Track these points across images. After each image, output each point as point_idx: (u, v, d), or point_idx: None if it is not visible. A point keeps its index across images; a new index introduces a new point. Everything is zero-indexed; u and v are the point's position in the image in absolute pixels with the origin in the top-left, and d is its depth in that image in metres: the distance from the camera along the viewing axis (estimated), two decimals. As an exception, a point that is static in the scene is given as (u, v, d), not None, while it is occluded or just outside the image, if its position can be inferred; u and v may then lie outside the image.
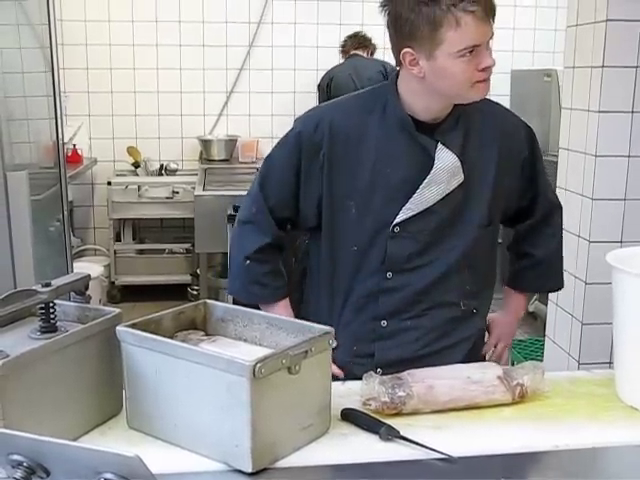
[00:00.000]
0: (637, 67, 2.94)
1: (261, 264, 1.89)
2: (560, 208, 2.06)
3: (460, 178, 1.79)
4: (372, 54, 5.35)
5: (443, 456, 1.40)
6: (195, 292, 4.97)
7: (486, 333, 2.03)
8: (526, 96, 5.25)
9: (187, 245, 5.38)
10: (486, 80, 1.69)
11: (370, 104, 1.83)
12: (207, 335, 1.63)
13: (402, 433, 1.47)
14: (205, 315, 1.65)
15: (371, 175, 1.79)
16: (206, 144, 5.65)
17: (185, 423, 1.41)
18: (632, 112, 2.98)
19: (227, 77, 5.78)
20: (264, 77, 5.82)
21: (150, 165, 5.64)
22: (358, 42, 5.31)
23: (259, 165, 5.70)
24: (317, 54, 5.81)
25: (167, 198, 5.36)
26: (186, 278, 5.28)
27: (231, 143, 5.66)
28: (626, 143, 3.00)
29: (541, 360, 3.53)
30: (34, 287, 1.50)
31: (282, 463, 1.39)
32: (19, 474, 1.17)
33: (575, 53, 3.17)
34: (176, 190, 5.38)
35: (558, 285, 2.12)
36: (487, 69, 1.67)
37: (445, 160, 1.77)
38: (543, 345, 3.54)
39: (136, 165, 5.56)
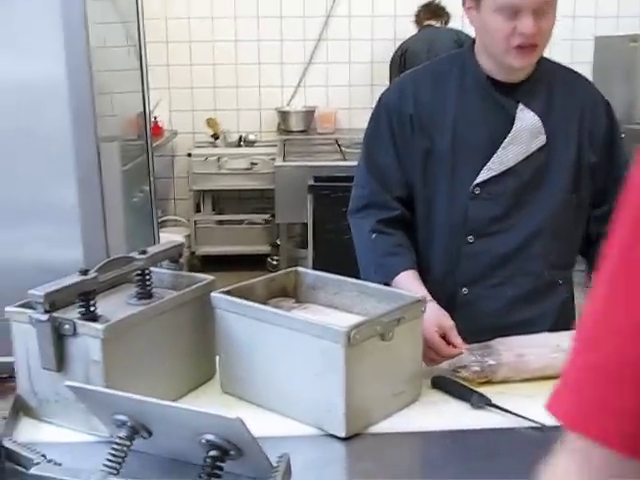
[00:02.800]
0: None
1: (388, 236, 1.82)
2: None
3: (542, 140, 1.76)
4: (446, 24, 5.25)
5: (535, 425, 1.40)
6: (275, 262, 5.02)
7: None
8: (610, 63, 5.09)
9: (266, 216, 5.42)
10: (523, 47, 1.65)
11: (448, 67, 1.84)
12: (298, 302, 1.65)
13: (493, 401, 1.47)
14: (295, 283, 1.67)
15: (452, 137, 1.79)
16: (284, 115, 5.66)
17: (278, 388, 1.43)
18: None
19: (305, 48, 5.77)
20: (341, 48, 5.77)
21: (229, 137, 5.69)
22: (431, 12, 5.21)
23: (337, 136, 5.67)
24: (395, 23, 5.74)
25: (246, 169, 5.40)
26: (265, 249, 5.33)
27: (309, 114, 5.66)
28: None
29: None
30: (131, 254, 1.55)
31: (374, 429, 1.41)
32: (123, 433, 1.22)
33: None
34: (254, 162, 5.41)
35: None
36: (527, 35, 1.63)
37: (526, 120, 1.75)
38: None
39: (215, 137, 5.61)
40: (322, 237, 3.93)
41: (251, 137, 5.65)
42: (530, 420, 1.41)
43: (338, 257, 3.86)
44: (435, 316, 1.63)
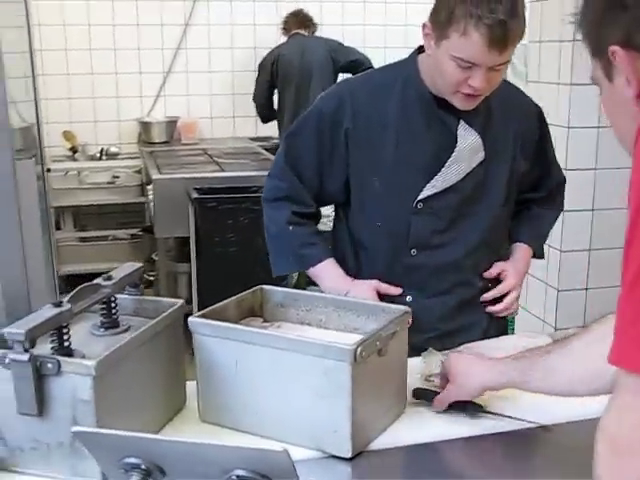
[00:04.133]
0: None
1: (304, 227, 1.88)
2: (564, 183, 2.07)
3: (481, 156, 1.80)
4: (313, 34, 5.31)
5: (533, 424, 1.41)
6: (152, 278, 4.85)
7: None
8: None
9: (134, 230, 5.23)
10: (470, 96, 1.69)
11: (390, 80, 1.83)
12: (266, 321, 1.59)
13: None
14: (262, 301, 1.61)
15: (395, 151, 1.79)
16: (145, 126, 5.48)
17: (270, 412, 1.37)
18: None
19: (163, 57, 5.62)
20: (201, 56, 5.67)
21: (87, 150, 5.44)
22: (300, 21, 5.25)
23: (203, 146, 5.52)
24: (254, 32, 5.71)
25: (108, 183, 5.19)
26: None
27: (171, 124, 5.51)
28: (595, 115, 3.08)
29: (513, 328, 3.62)
30: (96, 281, 1.44)
31: (373, 446, 1.38)
32: (136, 477, 1.12)
33: (541, 27, 3.23)
34: (117, 175, 5.21)
35: (540, 251, 2.08)
36: (477, 89, 1.66)
37: (467, 138, 1.78)
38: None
39: (74, 150, 5.36)
40: (208, 250, 3.83)
41: (113, 149, 5.44)
42: (527, 421, 1.43)
43: (224, 269, 3.81)
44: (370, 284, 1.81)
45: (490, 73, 1.64)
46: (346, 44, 5.30)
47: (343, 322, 1.54)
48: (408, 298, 1.83)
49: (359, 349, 1.27)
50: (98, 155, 5.41)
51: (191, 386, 1.50)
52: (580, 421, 1.41)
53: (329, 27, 5.64)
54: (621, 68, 0.95)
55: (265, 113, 5.29)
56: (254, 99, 5.29)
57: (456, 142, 1.77)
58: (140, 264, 1.56)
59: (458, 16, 1.59)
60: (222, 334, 1.39)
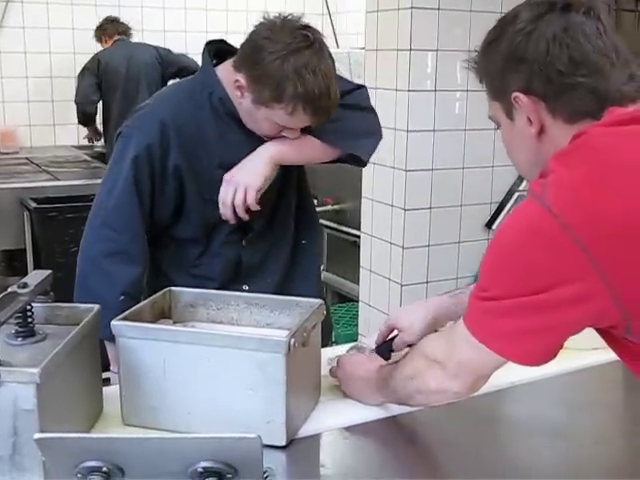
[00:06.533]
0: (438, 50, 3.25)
1: (133, 300, 1.76)
2: (356, 89, 2.00)
3: None
4: (128, 37, 5.27)
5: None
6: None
7: None
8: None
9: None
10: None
11: (197, 96, 1.84)
12: (176, 322, 1.62)
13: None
14: (171, 303, 1.63)
15: (222, 165, 1.83)
16: (-41, 135, 5.18)
17: (201, 409, 1.40)
18: (435, 90, 3.31)
19: (-26, 60, 5.34)
20: (17, 61, 5.42)
21: None
22: (121, 27, 5.21)
23: (24, 155, 5.27)
24: (73, 36, 5.55)
25: None
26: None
27: (-12, 133, 5.25)
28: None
29: (356, 323, 3.80)
30: (11, 289, 1.40)
31: (300, 433, 1.44)
32: (96, 480, 1.12)
33: (378, 37, 3.42)
34: None
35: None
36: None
37: None
38: (356, 309, 3.79)
39: None
40: (48, 261, 3.70)
41: None
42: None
43: (66, 280, 3.67)
44: None
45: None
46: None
47: (255, 318, 1.59)
48: (244, 287, 1.93)
49: (292, 340, 1.34)
50: None
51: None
52: (490, 393, 1.55)
53: (150, 33, 5.60)
54: (523, 110, 1.14)
55: (87, 116, 5.17)
56: (75, 101, 5.16)
57: None
58: (50, 271, 1.53)
59: (286, 97, 1.66)
60: (151, 335, 1.40)
